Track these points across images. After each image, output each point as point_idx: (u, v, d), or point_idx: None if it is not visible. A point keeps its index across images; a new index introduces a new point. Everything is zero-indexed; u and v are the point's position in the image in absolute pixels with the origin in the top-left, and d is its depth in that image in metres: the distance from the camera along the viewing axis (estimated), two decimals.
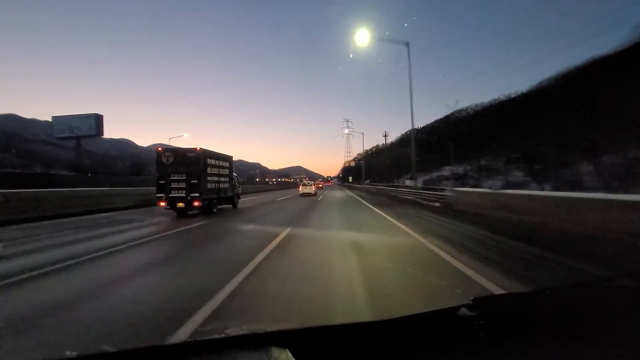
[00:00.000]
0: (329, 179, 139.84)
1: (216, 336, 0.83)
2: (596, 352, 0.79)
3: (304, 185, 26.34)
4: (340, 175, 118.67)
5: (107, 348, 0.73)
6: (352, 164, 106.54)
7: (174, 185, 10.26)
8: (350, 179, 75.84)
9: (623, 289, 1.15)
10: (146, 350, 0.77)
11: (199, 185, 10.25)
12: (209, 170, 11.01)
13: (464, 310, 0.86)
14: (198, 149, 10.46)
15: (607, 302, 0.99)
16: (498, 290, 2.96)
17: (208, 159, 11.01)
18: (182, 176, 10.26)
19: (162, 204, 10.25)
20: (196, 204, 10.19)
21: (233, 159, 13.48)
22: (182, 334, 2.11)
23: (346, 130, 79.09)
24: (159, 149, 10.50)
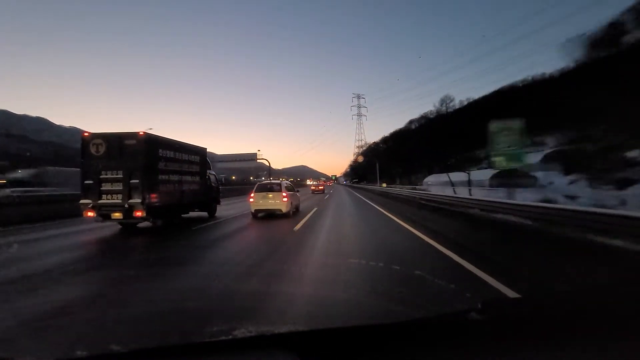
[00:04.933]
0: (333, 177, 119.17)
1: (223, 337, 0.82)
2: (607, 357, 0.73)
3: (259, 191, 9.87)
4: (356, 162, 79.43)
5: (116, 348, 0.74)
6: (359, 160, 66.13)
7: (105, 186, 7.01)
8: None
9: (634, 294, 1.07)
10: (152, 350, 0.77)
11: (142, 186, 6.97)
12: (162, 165, 7.71)
13: (473, 315, 0.83)
14: (141, 133, 7.16)
15: (620, 307, 0.94)
16: None
17: (160, 150, 7.70)
18: (117, 174, 7.00)
19: (90, 214, 6.99)
20: (138, 214, 6.92)
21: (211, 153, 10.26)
22: None
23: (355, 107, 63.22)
24: (85, 134, 7.23)
